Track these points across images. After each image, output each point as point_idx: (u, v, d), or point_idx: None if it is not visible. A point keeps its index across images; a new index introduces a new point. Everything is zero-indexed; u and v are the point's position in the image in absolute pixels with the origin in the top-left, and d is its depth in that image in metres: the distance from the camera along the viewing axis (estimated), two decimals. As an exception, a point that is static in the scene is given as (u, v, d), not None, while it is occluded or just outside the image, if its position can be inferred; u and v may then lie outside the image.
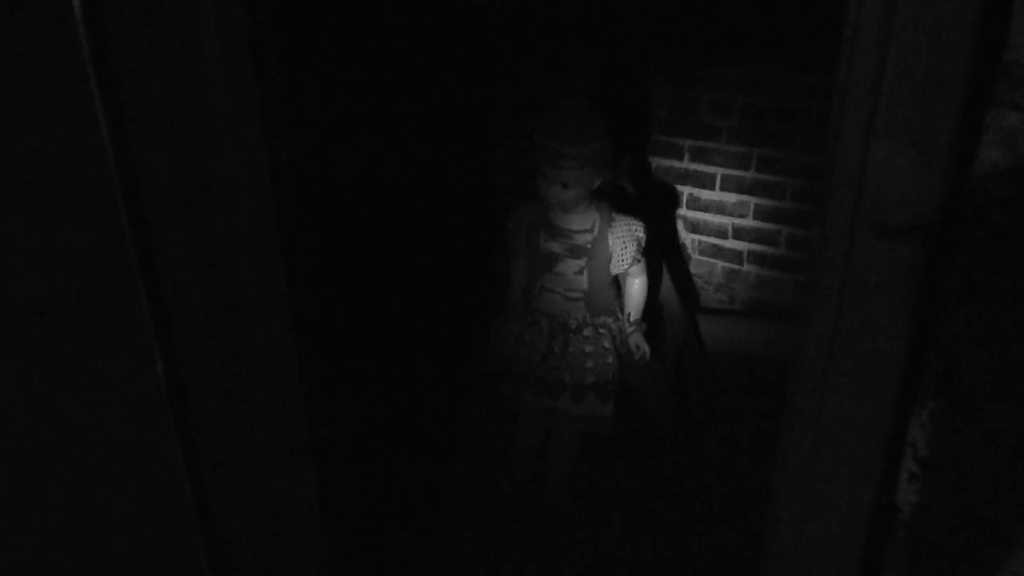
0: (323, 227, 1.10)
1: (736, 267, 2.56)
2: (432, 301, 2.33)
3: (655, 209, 2.47)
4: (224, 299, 0.96)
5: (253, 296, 0.98)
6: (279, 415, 1.05)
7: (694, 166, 2.51)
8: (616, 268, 1.87)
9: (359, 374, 1.85)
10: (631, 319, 1.92)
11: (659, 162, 2.55)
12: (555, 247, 1.85)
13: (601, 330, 1.89)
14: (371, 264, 2.20)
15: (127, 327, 0.90)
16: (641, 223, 1.86)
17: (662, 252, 2.31)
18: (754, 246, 2.49)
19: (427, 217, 2.46)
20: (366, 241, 2.18)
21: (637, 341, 1.90)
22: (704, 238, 2.58)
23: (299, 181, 1.01)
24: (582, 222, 1.85)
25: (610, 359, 1.88)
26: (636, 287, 1.91)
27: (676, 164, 2.53)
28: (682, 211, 2.59)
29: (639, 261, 1.88)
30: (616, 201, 1.92)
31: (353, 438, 1.34)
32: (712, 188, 2.50)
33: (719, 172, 2.47)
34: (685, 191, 2.56)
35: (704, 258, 2.61)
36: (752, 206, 2.46)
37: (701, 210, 2.55)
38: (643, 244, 1.87)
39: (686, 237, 2.62)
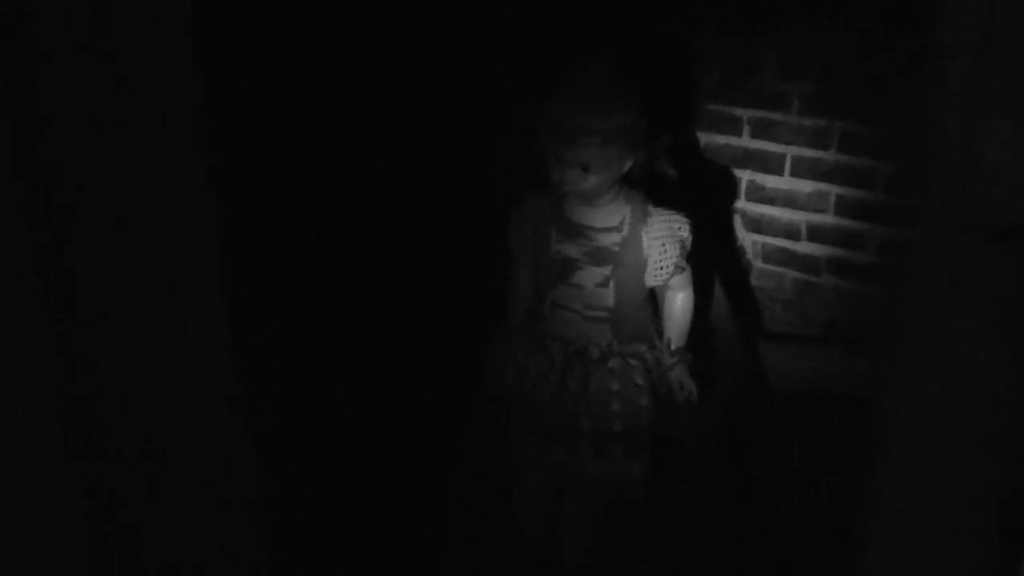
0: (284, 239, 1.22)
1: (811, 278, 2.55)
2: (418, 323, 2.37)
3: (705, 201, 2.48)
4: (146, 322, 1.00)
5: (187, 322, 1.04)
6: (216, 473, 1.09)
7: (756, 144, 2.50)
8: (653, 279, 1.86)
9: (327, 415, 1.91)
10: (672, 347, 1.91)
11: (710, 139, 2.54)
12: (571, 250, 1.86)
13: (632, 361, 1.88)
14: (346, 281, 2.23)
15: (27, 366, 0.95)
16: (686, 219, 1.86)
17: (714, 258, 2.34)
18: (835, 251, 2.50)
19: (417, 226, 2.51)
20: (338, 251, 2.21)
21: (680, 377, 1.89)
22: (769, 240, 2.58)
23: (252, 187, 1.13)
24: (607, 218, 1.85)
25: (643, 400, 1.87)
26: (679, 304, 1.91)
27: (732, 141, 2.52)
28: (740, 204, 2.58)
29: (683, 270, 1.87)
30: (653, 191, 1.92)
31: (319, 499, 1.44)
32: (780, 173, 2.50)
33: (789, 152, 2.47)
34: (744, 177, 2.54)
35: (769, 266, 2.60)
36: (833, 198, 2.46)
37: (765, 202, 2.55)
38: (688, 247, 1.86)
39: (746, 238, 2.60)
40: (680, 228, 1.86)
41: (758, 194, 2.56)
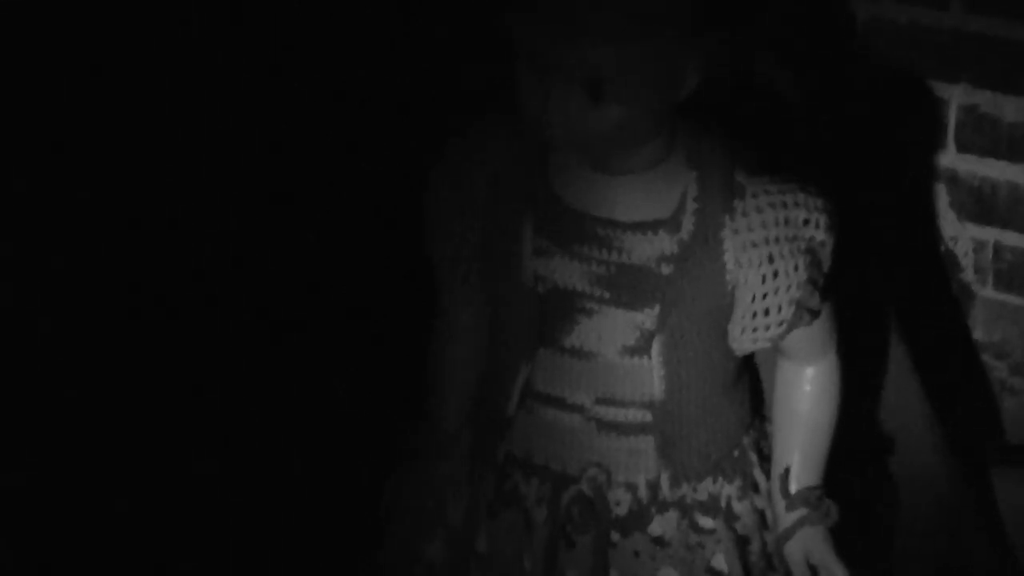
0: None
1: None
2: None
3: (866, 156, 2.13)
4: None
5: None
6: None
7: (981, 23, 2.02)
8: (750, 337, 1.45)
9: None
10: (793, 487, 1.53)
11: (879, 14, 2.10)
12: (568, 272, 1.44)
13: (704, 521, 1.50)
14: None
15: None
16: (821, 200, 1.42)
17: (887, 284, 1.94)
18: None
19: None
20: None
21: (812, 552, 1.49)
22: (1014, 239, 2.12)
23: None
24: (647, 199, 1.42)
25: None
26: (809, 392, 1.53)
27: (926, 18, 2.02)
28: (947, 159, 2.10)
29: (815, 315, 1.44)
30: (747, 136, 1.50)
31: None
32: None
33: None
34: (953, 100, 2.05)
35: (1011, 297, 2.13)
36: None
37: (1001, 157, 2.06)
38: (827, 261, 1.44)
39: (959, 235, 2.15)
40: (809, 220, 1.42)
41: (986, 137, 2.07)
